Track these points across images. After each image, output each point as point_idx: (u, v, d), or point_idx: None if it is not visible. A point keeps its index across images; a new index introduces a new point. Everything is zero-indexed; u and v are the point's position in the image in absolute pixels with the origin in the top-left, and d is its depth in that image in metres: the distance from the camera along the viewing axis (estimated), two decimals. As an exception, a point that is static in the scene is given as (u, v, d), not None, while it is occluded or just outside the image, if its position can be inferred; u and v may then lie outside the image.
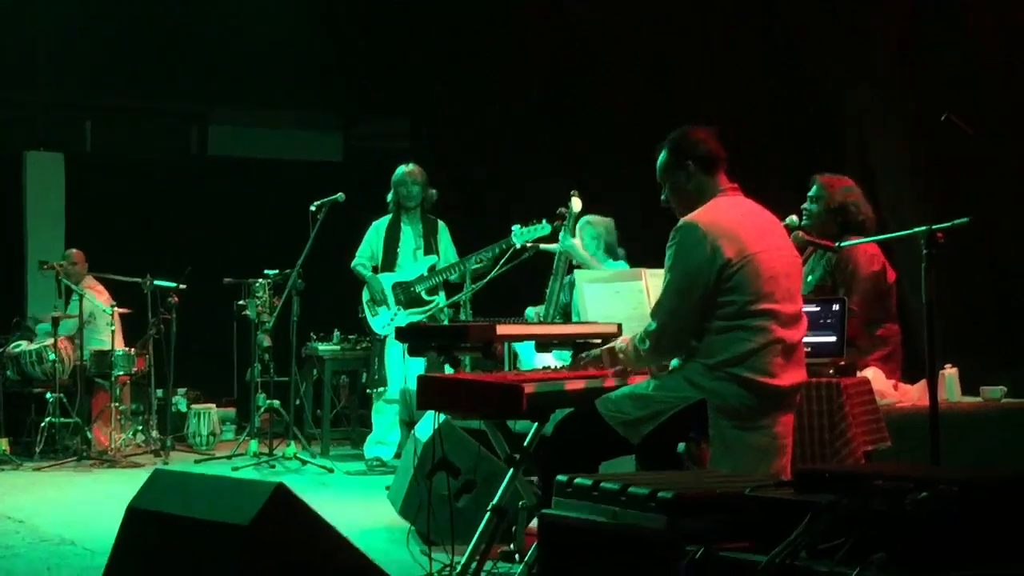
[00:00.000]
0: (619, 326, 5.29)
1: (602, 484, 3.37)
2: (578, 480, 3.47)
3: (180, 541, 3.86)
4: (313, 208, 9.33)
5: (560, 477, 3.56)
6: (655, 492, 3.18)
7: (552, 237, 7.73)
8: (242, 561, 3.62)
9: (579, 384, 4.79)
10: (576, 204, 7.36)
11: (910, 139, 8.06)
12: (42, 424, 9.80)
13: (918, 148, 7.93)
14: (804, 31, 8.84)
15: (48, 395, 9.89)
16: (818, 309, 5.45)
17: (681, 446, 4.95)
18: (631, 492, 3.25)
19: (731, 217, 4.59)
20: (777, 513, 2.95)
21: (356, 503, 7.73)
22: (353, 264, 9.46)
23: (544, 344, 5.45)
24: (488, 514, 5.14)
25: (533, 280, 8.03)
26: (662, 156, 4.79)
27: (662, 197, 4.82)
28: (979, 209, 4.94)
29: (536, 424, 5.08)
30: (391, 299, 9.24)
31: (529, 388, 4.56)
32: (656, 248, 4.81)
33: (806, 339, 4.98)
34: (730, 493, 3.12)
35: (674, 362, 4.67)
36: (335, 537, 3.78)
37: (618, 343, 4.81)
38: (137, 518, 4.07)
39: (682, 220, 4.59)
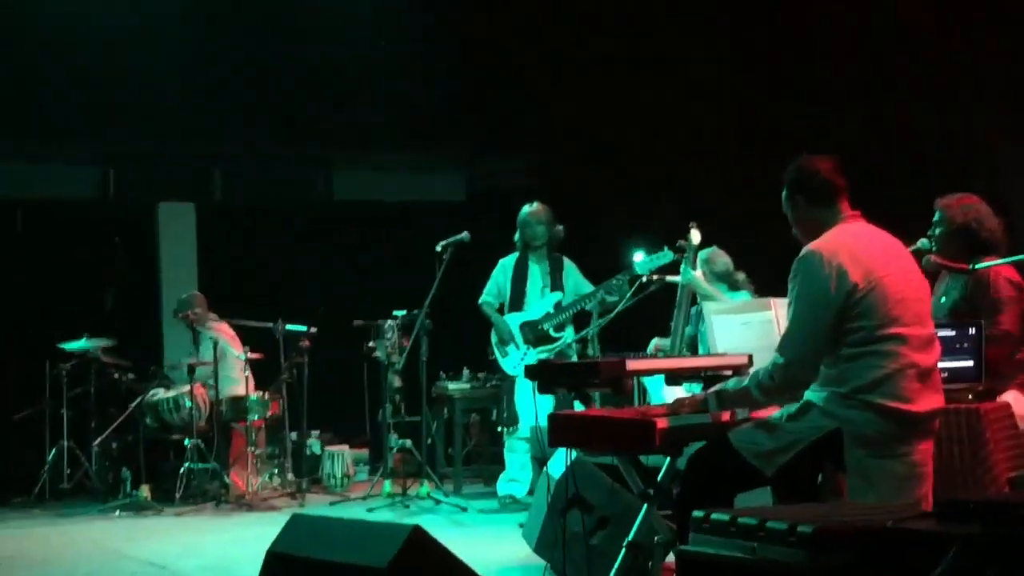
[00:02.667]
0: (750, 357, 5.24)
1: (739, 519, 3.34)
2: (715, 515, 3.45)
3: (320, 584, 3.90)
4: (439, 248, 9.39)
5: (696, 513, 3.53)
6: (794, 527, 3.15)
7: (677, 269, 7.70)
8: (381, 603, 3.63)
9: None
10: (695, 236, 7.33)
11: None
12: (181, 470, 9.96)
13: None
14: (924, 55, 8.73)
15: (186, 441, 10.06)
16: (953, 334, 5.35)
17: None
18: (769, 527, 3.22)
19: (854, 243, 4.55)
20: (921, 545, 2.90)
21: (490, 541, 7.75)
22: (480, 301, 9.54)
23: (674, 378, 5.42)
24: (624, 550, 5.12)
25: (658, 312, 8.00)
26: (783, 191, 4.78)
27: (794, 231, 4.81)
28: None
29: (669, 459, 5.06)
30: (519, 338, 9.27)
31: (662, 423, 4.53)
32: (780, 279, 4.77)
33: (942, 364, 4.88)
34: (871, 526, 3.07)
35: (806, 393, 4.61)
36: (472, 578, 3.79)
37: (729, 385, 4.73)
38: (277, 562, 4.12)
39: (803, 250, 4.56)
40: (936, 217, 6.01)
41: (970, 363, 5.32)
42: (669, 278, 7.80)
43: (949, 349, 5.31)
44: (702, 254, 7.65)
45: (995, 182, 7.87)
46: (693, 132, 10.78)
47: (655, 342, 7.91)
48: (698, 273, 7.42)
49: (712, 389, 4.76)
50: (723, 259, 7.96)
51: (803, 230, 4.72)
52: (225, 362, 10.45)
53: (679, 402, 4.84)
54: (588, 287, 9.26)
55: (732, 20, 10.17)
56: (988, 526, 2.78)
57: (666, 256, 8.11)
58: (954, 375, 5.25)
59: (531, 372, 5.11)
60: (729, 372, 5.22)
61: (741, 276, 8.03)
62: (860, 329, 4.42)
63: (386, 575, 3.62)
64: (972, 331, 5.36)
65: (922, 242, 5.88)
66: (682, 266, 7.27)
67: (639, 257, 8.36)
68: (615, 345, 8.33)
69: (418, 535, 3.68)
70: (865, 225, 4.69)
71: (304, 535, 4.14)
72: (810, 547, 3.09)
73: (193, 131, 12.55)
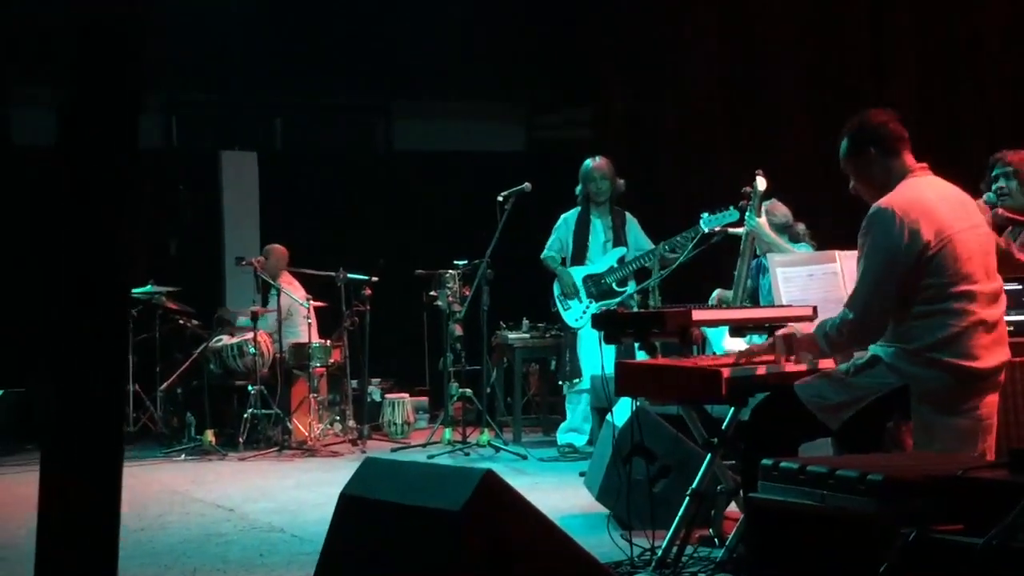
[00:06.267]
0: (814, 309, 5.26)
1: (809, 467, 3.38)
2: (784, 464, 3.48)
3: (392, 527, 3.96)
4: (500, 198, 9.42)
5: (765, 461, 3.57)
6: (864, 475, 3.18)
7: (740, 221, 7.68)
8: (454, 546, 3.69)
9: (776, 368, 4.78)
10: (761, 183, 7.26)
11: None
12: (244, 416, 10.08)
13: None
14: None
15: (249, 387, 10.17)
16: (1020, 287, 5.35)
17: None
18: (839, 475, 3.26)
19: (925, 198, 4.53)
20: (991, 495, 2.93)
21: (551, 489, 7.81)
22: (543, 255, 9.57)
23: (738, 329, 5.45)
24: (687, 499, 5.18)
25: (720, 264, 8.01)
26: (843, 145, 4.75)
27: (850, 186, 4.79)
28: None
29: (733, 408, 5.10)
30: (583, 292, 9.33)
31: (727, 373, 4.58)
32: (843, 231, 4.78)
33: (1009, 318, 4.88)
34: (941, 475, 3.10)
35: (873, 347, 4.62)
36: (544, 523, 3.84)
37: (797, 330, 4.75)
38: (350, 504, 4.18)
39: (875, 206, 4.54)
40: (1002, 169, 5.99)
41: (1036, 317, 5.33)
42: (732, 230, 7.78)
43: (1015, 303, 5.32)
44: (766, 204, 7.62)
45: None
46: (762, 83, 10.74)
47: (717, 293, 7.92)
48: (763, 220, 7.37)
49: (780, 332, 4.78)
50: (782, 210, 7.91)
51: (872, 184, 4.67)
52: (290, 311, 10.59)
53: (749, 350, 4.86)
54: (648, 243, 9.30)
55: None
56: (1059, 476, 2.81)
57: (732, 215, 8.10)
58: (1020, 328, 5.25)
59: (598, 321, 5.17)
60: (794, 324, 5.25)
61: (801, 227, 7.99)
62: (931, 287, 4.42)
63: (460, 518, 3.67)
64: (1039, 285, 5.37)
65: (988, 196, 5.86)
66: (747, 213, 7.23)
67: (704, 215, 8.37)
68: (677, 297, 8.36)
69: (491, 479, 3.72)
70: (933, 178, 4.66)
71: (377, 478, 4.20)
72: (880, 495, 3.12)
73: (255, 80, 12.65)
